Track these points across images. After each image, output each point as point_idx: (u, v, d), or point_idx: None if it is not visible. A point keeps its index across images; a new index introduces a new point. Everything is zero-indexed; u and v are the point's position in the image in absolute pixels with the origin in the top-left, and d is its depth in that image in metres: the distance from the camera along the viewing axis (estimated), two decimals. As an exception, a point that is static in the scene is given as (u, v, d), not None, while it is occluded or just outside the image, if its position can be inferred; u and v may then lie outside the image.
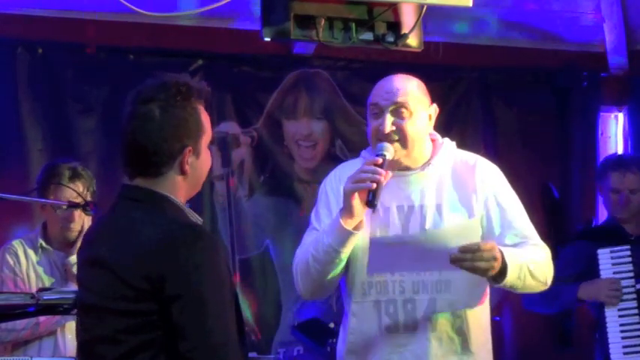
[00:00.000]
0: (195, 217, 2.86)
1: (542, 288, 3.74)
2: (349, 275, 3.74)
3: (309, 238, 3.76)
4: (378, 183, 3.54)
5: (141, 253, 2.69)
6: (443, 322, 3.67)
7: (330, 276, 3.68)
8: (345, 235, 3.60)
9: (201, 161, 2.84)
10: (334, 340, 4.89)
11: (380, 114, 3.70)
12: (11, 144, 5.64)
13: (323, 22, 3.93)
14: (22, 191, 5.00)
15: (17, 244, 4.71)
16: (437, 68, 6.12)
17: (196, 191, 2.89)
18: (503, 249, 3.58)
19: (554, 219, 6.10)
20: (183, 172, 2.80)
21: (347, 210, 3.58)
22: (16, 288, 4.57)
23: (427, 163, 3.75)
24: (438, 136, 3.84)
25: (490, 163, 3.85)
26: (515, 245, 3.70)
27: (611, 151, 6.40)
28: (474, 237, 3.67)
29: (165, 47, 5.82)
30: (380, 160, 3.60)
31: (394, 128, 3.67)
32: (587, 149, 6.36)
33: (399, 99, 3.68)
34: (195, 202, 5.64)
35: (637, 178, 5.43)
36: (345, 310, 3.82)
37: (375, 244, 3.67)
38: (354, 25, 4.00)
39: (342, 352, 3.78)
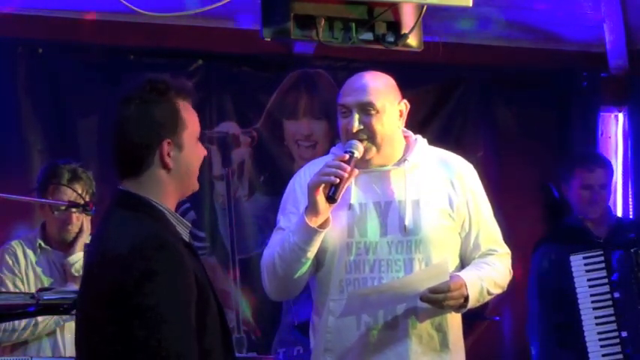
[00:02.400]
0: (181, 223, 2.82)
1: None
2: (323, 273, 3.72)
3: (276, 238, 3.75)
4: (341, 178, 3.55)
5: (107, 263, 2.68)
6: (423, 319, 3.67)
7: (296, 275, 3.67)
8: (311, 234, 3.59)
9: (186, 155, 2.81)
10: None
11: (348, 113, 3.71)
12: (11, 144, 5.63)
13: (323, 22, 3.93)
14: (22, 191, 4.99)
15: (16, 245, 4.72)
16: (437, 68, 6.12)
17: (191, 188, 2.86)
18: (465, 278, 3.62)
19: (554, 219, 6.09)
20: (165, 166, 2.78)
21: (312, 207, 3.57)
22: (15, 288, 4.58)
23: (402, 160, 3.75)
24: (410, 133, 3.84)
25: (466, 162, 3.86)
26: (482, 256, 3.75)
27: (612, 151, 6.39)
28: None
29: (166, 47, 5.81)
30: (346, 157, 3.60)
31: (362, 127, 3.67)
32: (587, 149, 6.35)
33: (366, 98, 3.68)
34: (195, 202, 5.73)
35: (605, 174, 5.39)
36: (316, 308, 3.79)
37: (351, 295, 3.64)
38: (354, 25, 4.00)
39: (319, 351, 3.75)
